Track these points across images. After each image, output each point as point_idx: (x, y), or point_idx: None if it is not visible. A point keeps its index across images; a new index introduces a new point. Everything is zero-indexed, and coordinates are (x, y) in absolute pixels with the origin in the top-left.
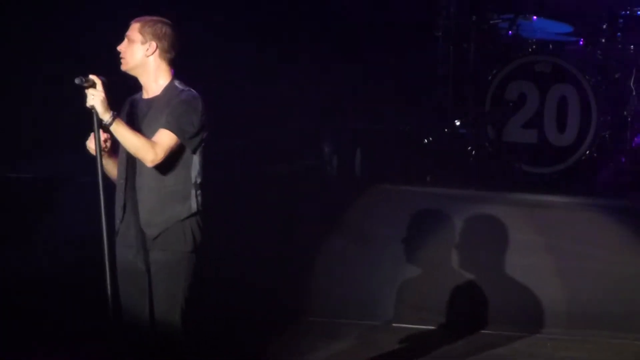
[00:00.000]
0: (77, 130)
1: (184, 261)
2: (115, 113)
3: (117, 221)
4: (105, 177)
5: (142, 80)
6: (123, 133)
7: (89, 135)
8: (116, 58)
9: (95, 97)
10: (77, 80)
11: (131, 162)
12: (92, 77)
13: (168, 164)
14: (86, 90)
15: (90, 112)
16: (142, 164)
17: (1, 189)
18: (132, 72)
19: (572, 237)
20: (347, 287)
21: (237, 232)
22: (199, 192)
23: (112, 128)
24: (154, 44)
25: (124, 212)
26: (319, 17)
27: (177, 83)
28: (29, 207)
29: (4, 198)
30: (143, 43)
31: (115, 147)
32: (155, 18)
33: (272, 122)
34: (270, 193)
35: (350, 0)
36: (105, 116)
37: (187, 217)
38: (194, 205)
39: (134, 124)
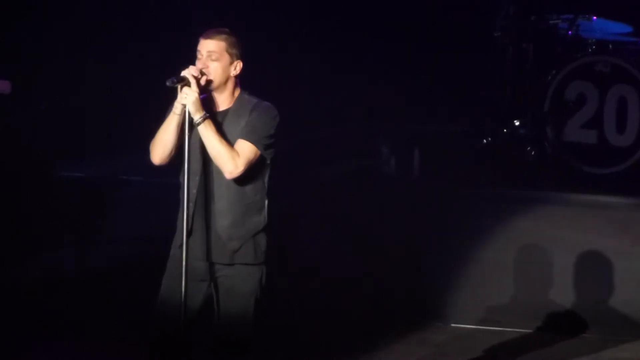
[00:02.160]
0: (135, 131)
1: (259, 273)
2: (207, 114)
3: (183, 231)
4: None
5: (219, 94)
6: (210, 135)
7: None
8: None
9: (189, 97)
10: (168, 83)
11: (208, 173)
12: (185, 74)
13: (248, 174)
14: (179, 89)
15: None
16: (222, 176)
17: (57, 188)
18: (209, 88)
19: (634, 238)
20: (409, 287)
21: (293, 232)
22: (267, 202)
23: (201, 128)
24: (240, 63)
25: (192, 224)
26: (378, 19)
27: (247, 94)
28: (86, 206)
29: (59, 197)
30: (231, 63)
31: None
32: (234, 35)
33: (330, 122)
34: (328, 194)
35: (410, 1)
36: (197, 115)
37: (263, 229)
38: (266, 216)
39: (189, 132)
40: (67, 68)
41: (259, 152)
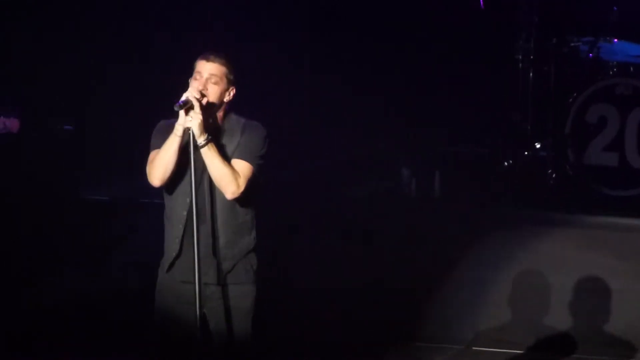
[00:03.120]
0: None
1: (254, 292)
2: (210, 137)
3: (172, 254)
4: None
5: (207, 115)
6: (213, 157)
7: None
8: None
9: (194, 120)
10: (176, 108)
11: (198, 195)
12: (189, 97)
13: (242, 194)
14: (184, 112)
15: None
16: (215, 195)
17: (77, 211)
18: (209, 111)
19: None
20: (427, 309)
21: (317, 254)
22: (256, 222)
23: (204, 150)
24: (234, 90)
25: (181, 245)
26: (398, 39)
27: (234, 114)
28: (107, 228)
29: (78, 219)
30: (227, 89)
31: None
32: (231, 61)
33: (351, 144)
34: (348, 215)
35: (432, 23)
36: (201, 138)
37: (253, 248)
38: (256, 236)
39: (194, 154)
40: (90, 90)
41: (254, 171)
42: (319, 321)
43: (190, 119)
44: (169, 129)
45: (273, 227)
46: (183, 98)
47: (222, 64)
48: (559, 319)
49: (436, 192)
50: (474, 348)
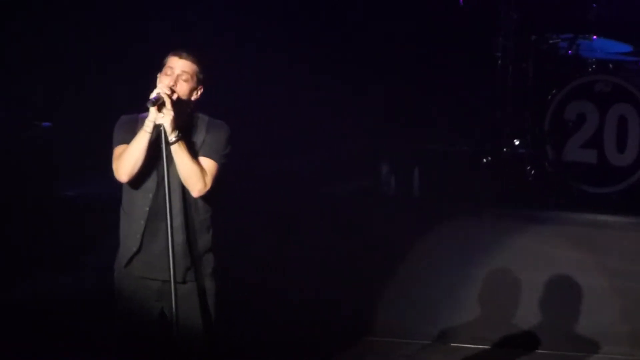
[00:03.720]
0: None
1: (212, 290)
2: (180, 134)
3: (131, 250)
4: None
5: (176, 112)
6: (183, 154)
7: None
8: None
9: (166, 116)
10: (149, 104)
11: (160, 190)
12: (161, 94)
13: (206, 192)
14: (156, 109)
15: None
16: (176, 192)
17: (58, 208)
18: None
19: (631, 258)
20: (405, 306)
21: (296, 250)
22: (215, 221)
23: (175, 147)
24: (202, 89)
25: (142, 241)
26: (375, 37)
27: (198, 111)
28: (86, 225)
29: (60, 216)
30: (195, 87)
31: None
32: (205, 58)
33: (328, 143)
34: (326, 213)
35: (410, 20)
36: (172, 135)
37: (212, 246)
38: (213, 235)
39: (165, 151)
40: (67, 86)
41: (219, 170)
42: (292, 317)
43: (163, 115)
44: (132, 124)
45: (250, 225)
46: (154, 94)
47: (194, 62)
48: (536, 315)
49: (415, 190)
50: (452, 344)
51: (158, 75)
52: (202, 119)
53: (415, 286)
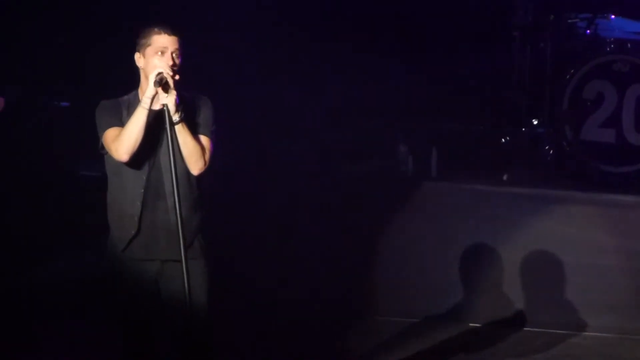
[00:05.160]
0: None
1: (207, 267)
2: (183, 114)
3: (130, 232)
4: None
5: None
6: (186, 134)
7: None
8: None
9: (170, 96)
10: (155, 85)
11: (158, 170)
12: (165, 75)
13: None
14: (160, 90)
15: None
16: (172, 171)
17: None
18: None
19: None
20: (423, 286)
21: (305, 233)
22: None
23: (179, 127)
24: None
25: (140, 224)
26: (393, 16)
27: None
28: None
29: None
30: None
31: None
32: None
33: (347, 122)
34: (342, 193)
35: (427, 1)
36: (175, 115)
37: (202, 225)
38: (207, 210)
39: (160, 133)
40: (86, 66)
41: (212, 146)
42: (308, 290)
43: (166, 95)
44: (117, 107)
45: (266, 201)
46: (156, 75)
47: (180, 36)
48: (554, 295)
49: (433, 170)
50: (470, 324)
51: (139, 54)
52: (189, 95)
53: (433, 266)
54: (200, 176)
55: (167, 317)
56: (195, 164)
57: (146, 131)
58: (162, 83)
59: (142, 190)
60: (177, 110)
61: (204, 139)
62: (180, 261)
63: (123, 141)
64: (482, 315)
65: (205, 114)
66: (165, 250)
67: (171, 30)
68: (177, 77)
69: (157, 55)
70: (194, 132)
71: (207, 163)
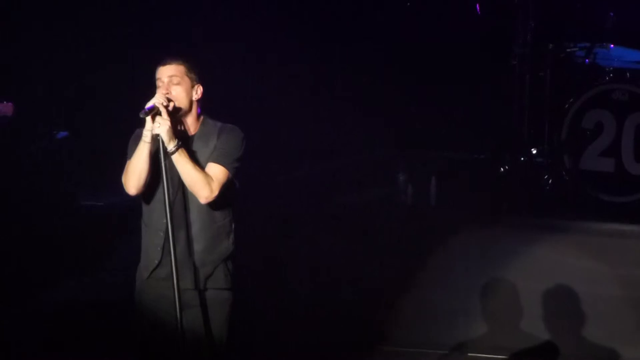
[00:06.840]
0: None
1: (231, 298)
2: (180, 142)
3: (154, 262)
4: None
5: (184, 119)
6: (185, 163)
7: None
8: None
9: (162, 126)
10: (142, 115)
11: (175, 201)
12: (155, 103)
13: (218, 198)
14: (151, 119)
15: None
16: (191, 200)
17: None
18: (177, 114)
19: None
20: (422, 316)
21: (312, 259)
22: (234, 226)
23: (175, 156)
24: (201, 87)
25: (162, 253)
26: (398, 48)
27: (209, 118)
28: (106, 233)
29: (76, 226)
30: (192, 86)
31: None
32: (192, 59)
33: (346, 151)
34: (343, 221)
35: (428, 29)
36: (170, 145)
37: (231, 253)
38: (234, 241)
39: (165, 161)
40: (84, 95)
41: (229, 175)
42: (310, 322)
43: (159, 125)
44: (137, 139)
45: (267, 231)
46: (149, 104)
47: (180, 64)
48: (554, 325)
49: (432, 198)
50: (469, 354)
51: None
52: (214, 125)
53: (431, 295)
54: (227, 204)
55: (186, 346)
56: (198, 193)
57: (156, 163)
58: (149, 113)
59: (165, 221)
60: (171, 139)
61: (215, 167)
62: (202, 290)
63: (128, 176)
64: (482, 345)
65: (225, 142)
66: (187, 280)
67: (169, 59)
68: (171, 105)
69: (158, 88)
70: (204, 160)
71: (215, 192)
